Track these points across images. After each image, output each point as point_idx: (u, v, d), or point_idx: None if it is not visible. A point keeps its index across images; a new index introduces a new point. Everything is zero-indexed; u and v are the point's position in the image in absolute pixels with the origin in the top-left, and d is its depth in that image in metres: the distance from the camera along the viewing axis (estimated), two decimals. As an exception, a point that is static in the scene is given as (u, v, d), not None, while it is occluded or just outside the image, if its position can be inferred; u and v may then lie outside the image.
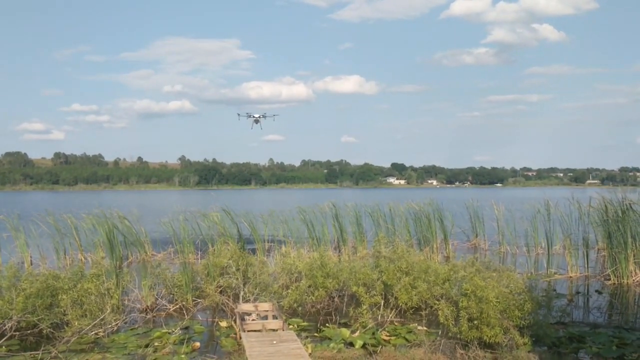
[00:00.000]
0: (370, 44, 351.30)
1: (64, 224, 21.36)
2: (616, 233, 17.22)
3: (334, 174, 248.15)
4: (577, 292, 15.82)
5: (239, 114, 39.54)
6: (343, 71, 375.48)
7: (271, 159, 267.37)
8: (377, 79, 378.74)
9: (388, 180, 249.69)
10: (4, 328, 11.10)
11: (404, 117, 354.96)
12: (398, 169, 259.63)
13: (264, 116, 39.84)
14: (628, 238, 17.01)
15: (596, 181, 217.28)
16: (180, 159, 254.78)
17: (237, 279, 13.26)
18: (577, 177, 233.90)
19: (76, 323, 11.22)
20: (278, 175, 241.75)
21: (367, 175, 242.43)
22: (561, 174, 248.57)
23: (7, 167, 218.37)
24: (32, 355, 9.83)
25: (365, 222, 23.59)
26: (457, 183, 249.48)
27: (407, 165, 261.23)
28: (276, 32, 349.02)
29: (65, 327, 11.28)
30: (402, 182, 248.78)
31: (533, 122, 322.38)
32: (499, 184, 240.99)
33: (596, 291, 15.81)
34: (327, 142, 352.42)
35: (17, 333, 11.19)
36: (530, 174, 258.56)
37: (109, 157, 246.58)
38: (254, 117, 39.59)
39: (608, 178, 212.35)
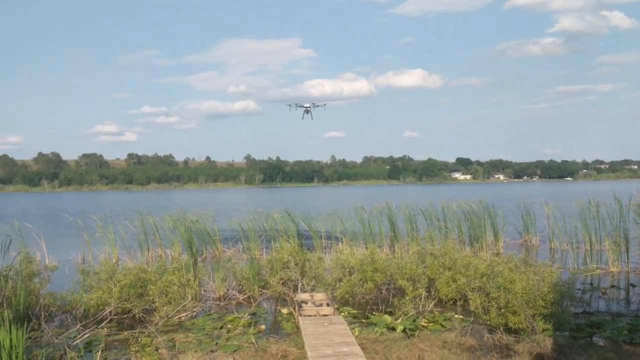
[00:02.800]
0: (431, 37, 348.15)
1: (147, 223, 23.99)
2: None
3: (397, 170, 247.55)
4: (612, 286, 16.74)
5: (289, 105, 40.22)
6: (404, 65, 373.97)
7: (333, 156, 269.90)
8: (439, 72, 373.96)
9: (453, 176, 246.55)
10: (105, 313, 13.39)
11: (468, 110, 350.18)
12: (463, 164, 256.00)
13: (314, 105, 40.41)
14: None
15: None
16: (245, 157, 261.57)
17: (295, 272, 15.19)
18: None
19: (163, 309, 13.45)
20: (340, 172, 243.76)
21: (431, 171, 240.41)
22: (635, 167, 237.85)
23: (84, 168, 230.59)
24: (130, 334, 12.03)
25: (419, 220, 24.88)
26: (525, 177, 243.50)
27: (473, 159, 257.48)
28: (336, 29, 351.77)
29: (154, 312, 13.51)
30: (468, 177, 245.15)
31: (604, 112, 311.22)
32: (569, 178, 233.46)
33: (631, 284, 16.74)
34: (390, 138, 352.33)
35: (115, 317, 13.43)
36: (602, 166, 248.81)
37: (179, 157, 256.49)
38: (304, 106, 40.21)
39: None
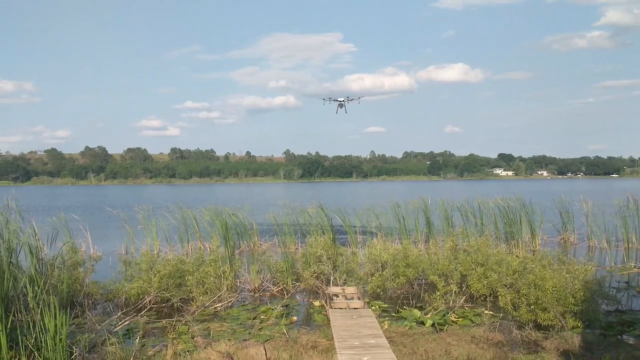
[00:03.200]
0: (474, 31, 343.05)
1: (187, 216, 24.68)
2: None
3: (437, 165, 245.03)
4: (649, 285, 16.47)
5: (323, 99, 39.69)
6: (446, 59, 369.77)
7: (372, 151, 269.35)
8: (482, 66, 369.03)
9: (495, 172, 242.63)
10: (144, 302, 13.97)
11: (511, 105, 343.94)
12: (505, 160, 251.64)
13: (348, 99, 39.78)
14: None
15: None
16: (285, 152, 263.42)
17: (328, 266, 15.47)
18: None
19: (199, 299, 13.94)
20: (379, 168, 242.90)
21: (472, 167, 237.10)
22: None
23: (129, 162, 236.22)
24: (168, 322, 12.54)
25: (455, 216, 24.82)
26: (569, 174, 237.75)
27: (515, 155, 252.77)
28: (377, 24, 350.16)
29: (191, 302, 14.01)
30: (510, 173, 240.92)
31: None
32: (615, 175, 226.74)
33: (667, 284, 16.42)
34: (430, 133, 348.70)
35: (155, 306, 14.00)
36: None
37: (220, 152, 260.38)
38: (338, 100, 39.62)
39: None
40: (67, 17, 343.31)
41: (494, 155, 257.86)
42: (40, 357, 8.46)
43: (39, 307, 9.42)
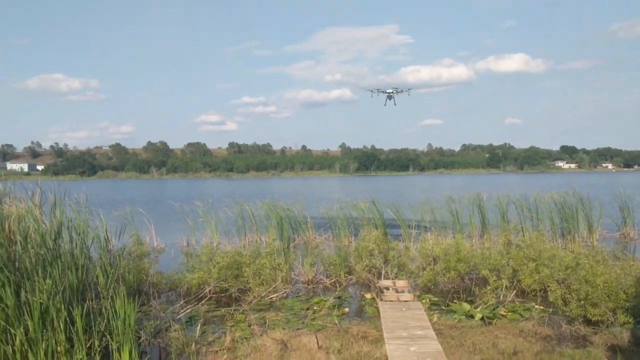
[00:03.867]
0: (535, 20, 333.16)
1: (244, 210, 25.56)
2: None
3: (497, 158, 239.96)
4: None
5: (371, 91, 38.93)
6: (506, 50, 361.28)
7: (429, 144, 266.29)
8: (543, 56, 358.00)
9: (557, 165, 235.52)
10: (205, 291, 14.75)
11: (574, 96, 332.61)
12: (568, 152, 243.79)
13: (396, 91, 38.95)
14: None
15: None
16: (340, 146, 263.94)
17: (379, 260, 15.85)
18: None
19: (256, 289, 14.60)
20: (437, 161, 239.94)
21: (533, 159, 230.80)
22: None
23: (189, 156, 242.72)
24: (226, 311, 13.25)
25: (510, 210, 24.61)
26: (635, 167, 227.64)
27: (579, 147, 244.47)
28: (435, 15, 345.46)
29: (248, 292, 14.69)
30: (573, 166, 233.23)
31: None
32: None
33: None
34: (490, 125, 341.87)
35: (214, 295, 14.74)
36: None
37: (277, 146, 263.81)
38: (386, 92, 38.78)
39: None
40: (128, 16, 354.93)
41: (556, 147, 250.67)
42: (111, 340, 9.24)
43: (109, 295, 10.23)
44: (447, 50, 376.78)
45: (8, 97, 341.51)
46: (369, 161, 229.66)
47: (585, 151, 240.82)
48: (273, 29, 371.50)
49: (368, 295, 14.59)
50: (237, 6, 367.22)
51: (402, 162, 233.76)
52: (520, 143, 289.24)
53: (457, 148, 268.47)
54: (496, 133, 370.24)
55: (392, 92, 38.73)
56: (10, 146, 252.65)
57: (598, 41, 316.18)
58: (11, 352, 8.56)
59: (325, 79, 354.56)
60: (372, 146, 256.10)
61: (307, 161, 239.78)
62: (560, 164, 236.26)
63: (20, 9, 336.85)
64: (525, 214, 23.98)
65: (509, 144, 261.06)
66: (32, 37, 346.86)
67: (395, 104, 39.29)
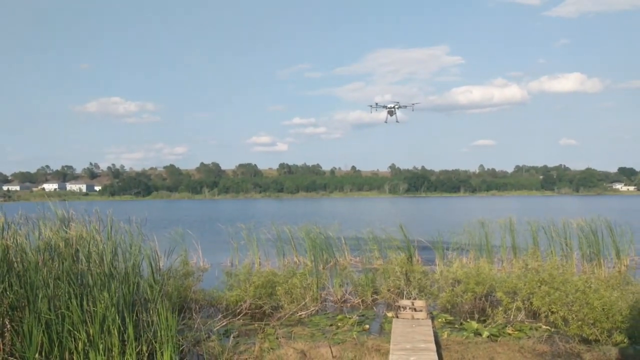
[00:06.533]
0: (590, 39, 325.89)
1: (284, 232, 27.30)
2: None
3: (551, 180, 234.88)
4: None
5: (370, 106, 36.30)
6: (560, 69, 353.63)
7: (481, 165, 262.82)
8: (600, 75, 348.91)
9: (614, 187, 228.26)
10: (242, 307, 16.38)
11: (633, 116, 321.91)
12: (626, 174, 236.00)
13: (398, 106, 36.00)
14: None
15: None
16: (390, 167, 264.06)
17: (401, 281, 17.14)
18: None
19: (287, 306, 16.13)
20: (489, 182, 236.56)
21: (589, 182, 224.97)
22: None
23: (240, 177, 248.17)
24: (259, 325, 14.82)
25: (540, 235, 25.24)
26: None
27: (638, 169, 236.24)
28: (486, 35, 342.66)
29: (280, 309, 16.23)
30: (631, 188, 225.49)
31: None
32: None
33: None
34: (544, 146, 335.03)
35: (249, 311, 16.33)
36: None
37: (326, 166, 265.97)
38: (387, 107, 35.93)
39: None
40: (182, 40, 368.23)
41: (613, 169, 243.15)
42: (157, 346, 10.93)
43: (155, 308, 11.96)
44: (499, 71, 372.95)
45: (69, 119, 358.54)
46: (418, 182, 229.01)
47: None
48: (324, 52, 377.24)
49: (389, 314, 15.87)
50: (290, 30, 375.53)
51: (453, 183, 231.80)
52: (576, 164, 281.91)
53: (510, 169, 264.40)
54: (551, 154, 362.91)
55: (393, 107, 35.91)
56: (70, 167, 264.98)
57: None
58: (75, 351, 10.38)
59: (374, 100, 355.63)
60: (422, 167, 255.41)
61: (357, 182, 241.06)
62: (618, 186, 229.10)
63: (84, 34, 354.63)
64: (555, 239, 24.57)
65: (564, 165, 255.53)
66: (92, 62, 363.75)
67: (397, 121, 36.45)
